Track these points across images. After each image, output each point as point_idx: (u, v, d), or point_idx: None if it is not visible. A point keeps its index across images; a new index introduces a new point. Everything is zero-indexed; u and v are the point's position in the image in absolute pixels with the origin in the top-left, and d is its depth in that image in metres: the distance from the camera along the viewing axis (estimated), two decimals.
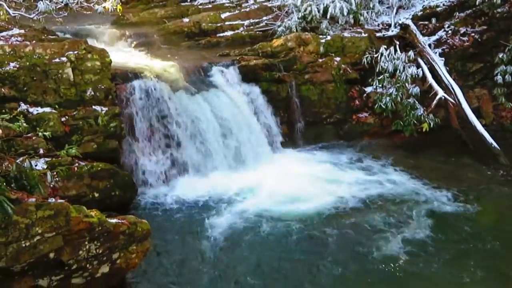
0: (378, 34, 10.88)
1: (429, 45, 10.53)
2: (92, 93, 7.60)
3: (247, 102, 9.43)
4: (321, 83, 10.19)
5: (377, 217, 6.91)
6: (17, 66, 7.12)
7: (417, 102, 9.63)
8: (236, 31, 11.78)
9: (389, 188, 7.89)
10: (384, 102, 9.74)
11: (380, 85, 10.02)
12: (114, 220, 4.97)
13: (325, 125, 10.22)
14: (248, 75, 9.65)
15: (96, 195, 6.72)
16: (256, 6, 13.17)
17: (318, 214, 6.98)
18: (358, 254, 6.09)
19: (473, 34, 10.49)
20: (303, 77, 10.13)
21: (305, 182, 7.98)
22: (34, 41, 8.01)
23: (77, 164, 6.71)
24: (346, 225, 6.73)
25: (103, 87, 7.72)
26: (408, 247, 6.20)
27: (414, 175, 8.37)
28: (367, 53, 10.37)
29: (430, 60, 10.26)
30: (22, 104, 6.98)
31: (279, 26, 11.32)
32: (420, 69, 10.01)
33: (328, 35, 10.71)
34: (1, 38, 8.29)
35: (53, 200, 4.65)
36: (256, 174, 8.35)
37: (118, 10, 9.29)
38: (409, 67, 9.81)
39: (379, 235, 6.47)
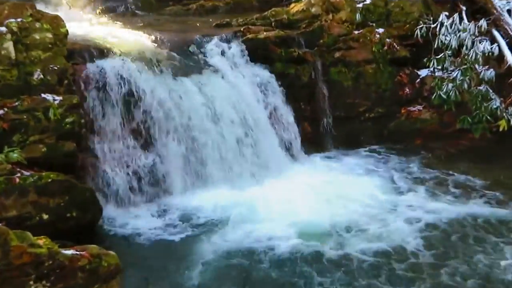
0: None
1: (509, 12, 10.45)
2: (41, 76, 7.57)
3: (255, 89, 9.47)
4: (358, 64, 10.21)
5: None
6: None
7: (491, 91, 9.52)
8: None
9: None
10: (445, 90, 9.65)
11: (440, 67, 9.96)
12: (70, 252, 4.90)
13: (363, 122, 10.26)
14: (256, 53, 9.66)
15: (45, 217, 6.65)
16: None
17: None
18: None
19: None
20: (332, 56, 10.16)
21: (339, 211, 7.84)
22: None
23: (19, 174, 6.64)
24: None
25: (56, 68, 7.69)
26: None
27: (495, 200, 8.17)
28: (421, 22, 10.34)
29: (510, 31, 10.17)
30: None
31: None
32: (496, 44, 9.91)
33: None
34: None
35: None
36: (263, 191, 8.33)
37: None
38: (480, 42, 9.70)
39: None
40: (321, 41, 10.16)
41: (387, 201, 8.12)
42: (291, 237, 7.13)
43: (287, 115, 9.71)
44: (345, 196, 8.21)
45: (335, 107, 10.13)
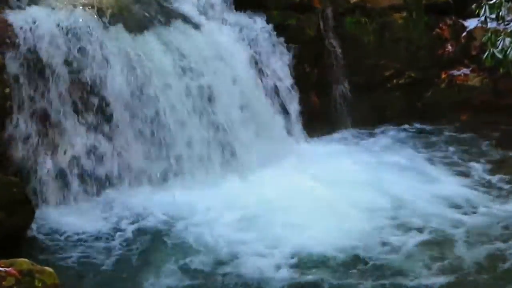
0: None
1: None
2: None
3: (243, 47, 9.52)
4: (382, 12, 10.28)
5: None
6: None
7: None
8: None
9: None
10: (500, 47, 9.59)
11: (494, 16, 9.90)
12: None
13: (389, 91, 10.37)
14: None
15: None
16: None
17: None
18: None
19: None
20: (347, 1, 10.22)
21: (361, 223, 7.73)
22: None
23: None
24: None
25: None
26: None
27: None
28: None
29: None
30: None
31: None
32: None
33: None
34: None
35: None
36: (256, 185, 8.45)
37: None
38: None
39: None
40: None
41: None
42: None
43: (286, 81, 9.78)
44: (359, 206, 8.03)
45: (352, 71, 10.16)
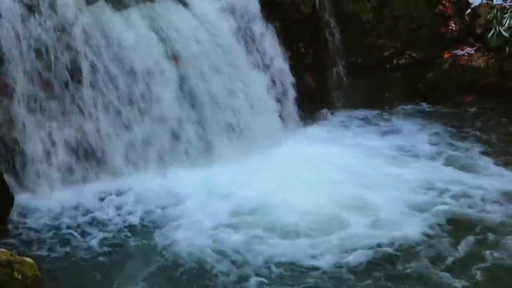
0: None
1: None
2: None
3: (233, 27, 9.37)
4: None
5: None
6: None
7: None
8: None
9: None
10: (507, 25, 9.50)
11: None
12: None
13: (389, 72, 10.31)
14: None
15: None
16: None
17: None
18: None
19: None
20: None
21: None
22: None
23: None
24: None
25: None
26: None
27: None
28: None
29: None
30: None
31: None
32: None
33: None
34: None
35: None
36: (243, 173, 8.24)
37: None
38: None
39: None
40: None
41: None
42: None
43: (279, 61, 9.64)
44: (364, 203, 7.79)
45: (350, 51, 10.12)
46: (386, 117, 9.92)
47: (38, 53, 8.12)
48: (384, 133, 9.44)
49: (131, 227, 7.48)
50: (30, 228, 7.40)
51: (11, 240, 7.04)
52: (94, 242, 7.16)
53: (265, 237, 7.17)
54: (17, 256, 5.19)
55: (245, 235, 7.18)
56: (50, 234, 7.35)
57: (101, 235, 7.32)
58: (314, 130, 9.56)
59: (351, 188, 7.89)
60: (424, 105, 10.20)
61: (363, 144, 9.03)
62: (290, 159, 8.55)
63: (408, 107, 10.12)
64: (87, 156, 8.34)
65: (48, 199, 7.95)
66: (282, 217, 7.45)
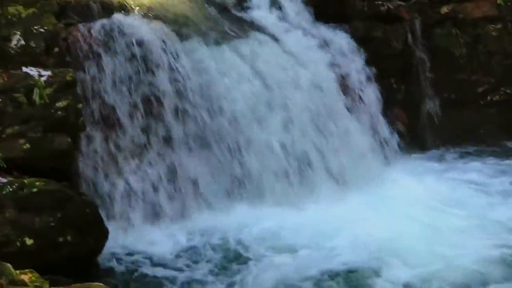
0: None
1: None
2: (22, 42, 7.63)
3: (326, 61, 9.36)
4: (475, 23, 10.07)
5: None
6: None
7: None
8: None
9: None
10: None
11: None
12: None
13: (483, 108, 10.14)
14: (325, 7, 9.67)
15: (29, 241, 6.58)
16: None
17: None
18: None
19: None
20: (438, 12, 10.03)
21: None
22: None
23: None
24: None
25: (42, 30, 7.74)
26: None
27: None
28: None
29: None
30: None
31: None
32: None
33: None
34: None
35: None
36: (346, 212, 8.05)
37: None
38: None
39: None
40: None
41: None
42: None
43: (370, 96, 9.63)
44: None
45: (442, 87, 10.00)
46: (486, 153, 9.72)
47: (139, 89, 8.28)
48: (492, 170, 9.20)
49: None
50: (128, 269, 7.40)
51: (106, 278, 7.07)
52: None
53: None
54: None
55: None
56: (144, 273, 7.34)
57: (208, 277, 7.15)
58: (411, 166, 9.41)
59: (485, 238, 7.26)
60: None
61: (473, 182, 8.79)
62: (394, 198, 8.33)
63: (509, 143, 9.98)
64: (179, 193, 8.36)
65: (142, 234, 7.97)
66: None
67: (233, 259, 7.45)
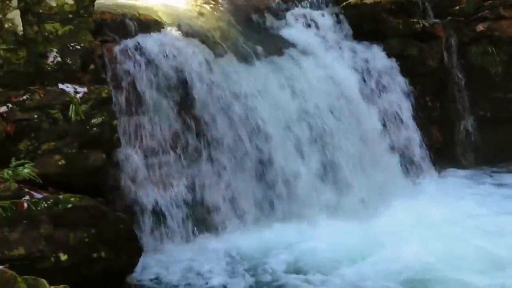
0: None
1: None
2: (59, 59, 7.63)
3: (362, 77, 9.44)
4: (511, 41, 10.02)
5: None
6: None
7: None
8: None
9: None
10: None
11: None
12: None
13: None
14: (361, 26, 9.68)
15: (64, 257, 6.59)
16: None
17: None
18: None
19: None
20: (473, 30, 10.03)
21: None
22: None
23: (28, 197, 6.63)
24: None
25: (79, 47, 7.76)
26: None
27: None
28: None
29: None
30: None
31: None
32: None
33: None
34: None
35: None
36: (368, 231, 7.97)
37: None
38: None
39: None
40: (457, 7, 10.04)
41: None
42: None
43: (405, 114, 9.61)
44: None
45: (478, 105, 9.98)
46: None
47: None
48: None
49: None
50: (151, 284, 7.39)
51: None
52: None
53: None
54: None
55: None
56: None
57: None
58: (445, 186, 9.31)
59: None
60: None
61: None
62: (423, 219, 8.08)
63: None
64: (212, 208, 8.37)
65: (174, 252, 7.95)
66: None
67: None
